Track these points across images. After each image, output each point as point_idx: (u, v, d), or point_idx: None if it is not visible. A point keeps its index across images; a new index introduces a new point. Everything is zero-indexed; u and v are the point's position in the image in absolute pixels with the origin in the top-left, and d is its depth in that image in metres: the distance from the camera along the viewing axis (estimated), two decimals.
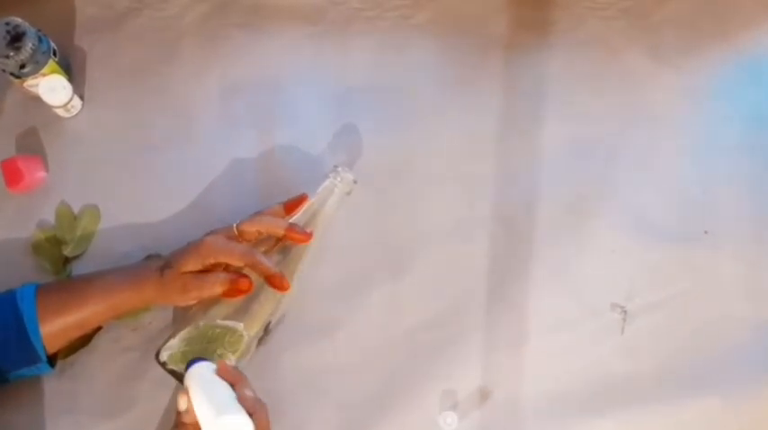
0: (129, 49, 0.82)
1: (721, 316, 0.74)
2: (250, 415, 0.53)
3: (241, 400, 0.54)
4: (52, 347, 0.67)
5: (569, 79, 0.82)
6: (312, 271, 0.72)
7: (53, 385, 0.71)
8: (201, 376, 0.55)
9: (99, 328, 0.72)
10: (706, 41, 0.83)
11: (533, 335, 0.73)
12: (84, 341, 0.72)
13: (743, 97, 0.81)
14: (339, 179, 0.70)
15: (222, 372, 0.57)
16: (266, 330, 0.68)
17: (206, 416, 0.52)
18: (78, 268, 0.74)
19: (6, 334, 0.65)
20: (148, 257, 0.73)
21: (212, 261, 0.66)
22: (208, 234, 0.68)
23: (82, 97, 0.80)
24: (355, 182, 0.71)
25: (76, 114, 0.79)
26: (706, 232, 0.77)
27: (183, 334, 0.64)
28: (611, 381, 0.72)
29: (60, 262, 0.74)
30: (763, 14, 0.84)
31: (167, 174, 0.78)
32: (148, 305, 0.71)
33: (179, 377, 0.62)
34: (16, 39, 0.72)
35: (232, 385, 0.56)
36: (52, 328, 0.65)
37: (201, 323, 0.64)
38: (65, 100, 0.76)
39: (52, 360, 0.68)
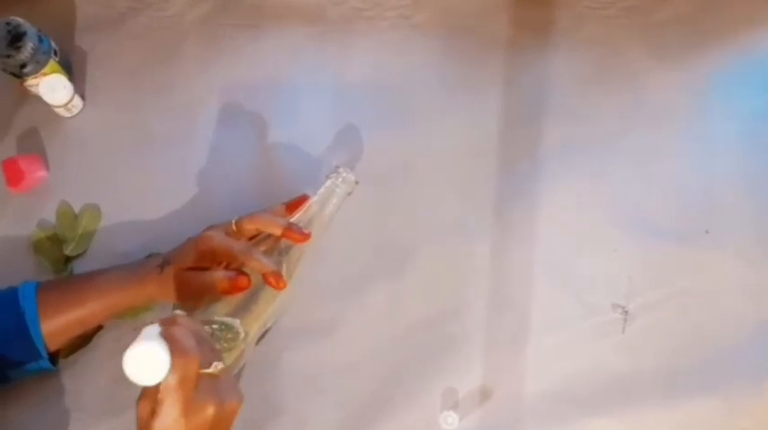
0: (130, 48, 0.82)
1: (722, 315, 0.74)
2: (167, 341, 0.49)
3: (161, 333, 0.50)
4: (53, 345, 0.67)
5: (570, 78, 0.82)
6: (312, 270, 0.72)
7: (54, 383, 0.71)
8: (144, 331, 0.52)
9: (100, 328, 0.72)
10: (707, 40, 0.83)
11: (534, 335, 0.73)
12: (85, 340, 0.72)
13: (744, 96, 0.81)
14: (341, 180, 0.70)
15: (161, 323, 0.53)
16: (265, 329, 0.69)
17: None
18: (79, 267, 0.75)
19: (7, 332, 0.65)
20: (149, 256, 0.73)
21: (210, 257, 0.66)
22: (207, 229, 0.68)
23: (83, 97, 0.80)
24: (357, 182, 0.71)
25: (77, 114, 0.80)
26: (707, 232, 0.77)
27: None
28: (611, 381, 0.72)
29: (61, 261, 0.75)
30: (763, 14, 0.84)
31: (168, 174, 0.78)
32: (149, 302, 0.71)
33: None
34: (17, 38, 0.72)
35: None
36: (53, 326, 0.66)
37: (198, 319, 0.63)
38: (65, 99, 0.76)
39: (53, 358, 0.69)
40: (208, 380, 0.51)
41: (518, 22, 0.84)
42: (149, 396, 0.50)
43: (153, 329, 0.52)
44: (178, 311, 0.61)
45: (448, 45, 0.83)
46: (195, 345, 0.51)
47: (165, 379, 0.49)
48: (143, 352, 0.49)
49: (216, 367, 0.52)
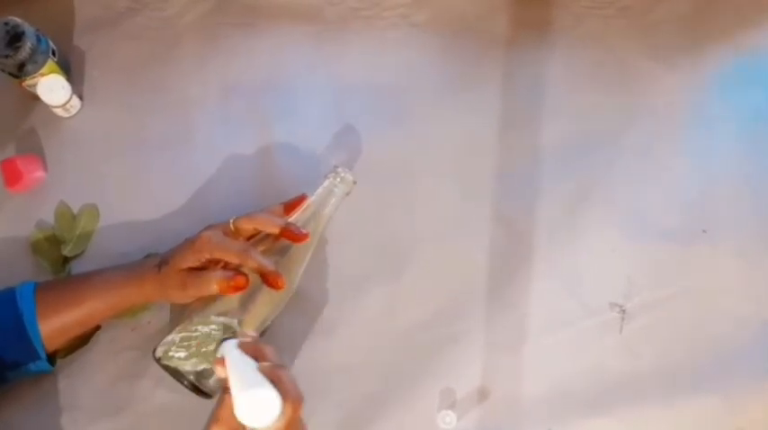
0: (129, 48, 0.82)
1: (720, 314, 0.74)
2: (274, 383, 0.53)
3: (262, 371, 0.54)
4: (51, 345, 0.67)
5: (568, 78, 0.82)
6: (311, 270, 0.72)
7: (52, 383, 0.71)
8: (229, 353, 0.56)
9: (98, 328, 0.72)
10: (705, 40, 0.83)
11: (532, 335, 0.73)
12: (83, 340, 0.72)
13: (742, 96, 0.81)
14: (339, 180, 0.70)
15: (243, 348, 0.57)
16: (263, 329, 0.68)
17: (233, 394, 0.53)
18: (77, 267, 0.75)
19: (5, 332, 0.65)
20: (147, 256, 0.73)
21: (208, 257, 0.65)
22: (205, 229, 0.68)
23: (81, 97, 0.80)
24: (355, 182, 0.71)
25: (75, 114, 0.80)
26: (704, 231, 0.77)
27: (178, 330, 0.64)
28: (609, 380, 0.72)
29: (59, 261, 0.75)
30: (762, 14, 0.84)
31: (166, 174, 0.78)
32: (147, 302, 0.71)
33: (173, 373, 0.63)
34: (15, 38, 0.72)
35: (255, 358, 0.56)
36: (51, 326, 0.66)
37: (196, 319, 0.64)
38: (64, 100, 0.76)
39: (52, 358, 0.69)
40: (299, 418, 0.55)
41: (517, 21, 0.84)
42: (224, 422, 0.54)
43: (244, 359, 0.55)
44: (251, 332, 0.63)
45: (447, 44, 0.83)
46: (298, 388, 0.54)
47: (273, 423, 0.52)
48: (258, 397, 0.52)
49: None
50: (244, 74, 0.81)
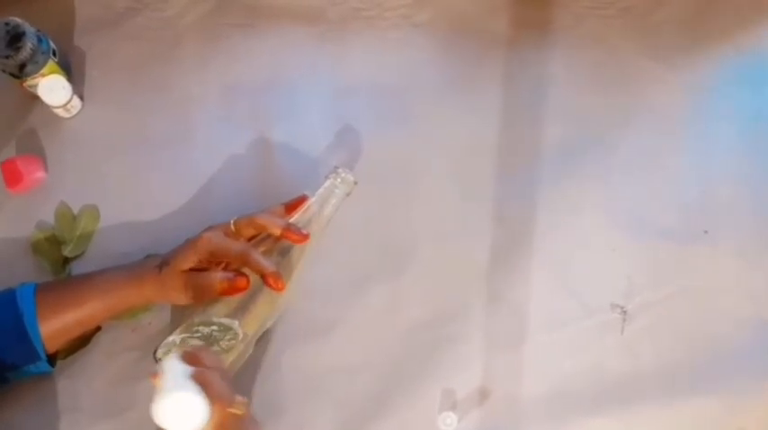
0: (129, 49, 0.82)
1: (721, 315, 0.74)
2: (202, 387, 0.52)
3: (192, 376, 0.53)
4: (52, 346, 0.67)
5: (569, 78, 0.82)
6: (311, 270, 0.72)
7: (53, 384, 0.71)
8: (165, 364, 0.55)
9: (99, 329, 0.72)
10: (705, 41, 0.83)
11: (533, 335, 0.73)
12: (83, 341, 0.72)
13: (742, 96, 0.81)
14: (339, 180, 0.70)
15: (183, 358, 0.55)
16: (264, 330, 0.69)
17: (155, 401, 0.52)
18: (78, 268, 0.75)
19: (6, 333, 0.65)
20: (148, 257, 0.73)
21: (209, 258, 0.66)
22: (206, 230, 0.68)
23: (81, 97, 0.80)
24: (356, 183, 0.71)
25: (76, 114, 0.80)
26: (706, 232, 0.77)
27: (178, 331, 0.64)
28: (610, 381, 0.72)
29: (60, 262, 0.74)
30: (762, 14, 0.84)
31: (167, 175, 0.78)
32: (148, 303, 0.71)
33: None
34: (16, 39, 0.72)
35: (191, 366, 0.55)
36: (52, 327, 0.66)
37: (197, 320, 0.64)
38: (64, 100, 0.76)
39: (52, 359, 0.68)
40: (235, 420, 0.53)
41: (517, 21, 0.84)
42: None
43: (178, 367, 0.53)
44: (196, 342, 0.62)
45: (448, 44, 0.83)
46: (228, 390, 0.53)
47: (201, 425, 0.51)
48: (180, 401, 0.51)
49: (241, 405, 0.54)
50: (244, 74, 0.81)
